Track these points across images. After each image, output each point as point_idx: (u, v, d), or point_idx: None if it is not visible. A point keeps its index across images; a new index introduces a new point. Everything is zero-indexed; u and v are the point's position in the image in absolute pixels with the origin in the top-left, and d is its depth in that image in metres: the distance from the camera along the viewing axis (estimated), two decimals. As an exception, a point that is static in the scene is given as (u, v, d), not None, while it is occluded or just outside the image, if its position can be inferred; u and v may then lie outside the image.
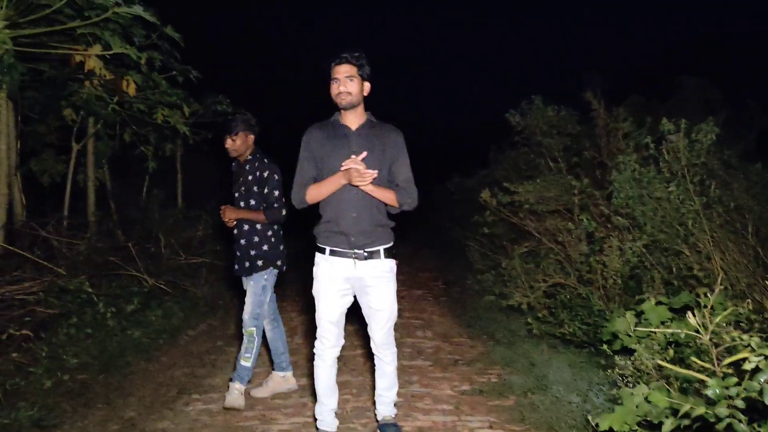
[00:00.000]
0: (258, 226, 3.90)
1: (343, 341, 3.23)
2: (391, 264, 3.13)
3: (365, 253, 3.02)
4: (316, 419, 3.32)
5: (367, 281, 3.06)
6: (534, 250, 5.97)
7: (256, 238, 3.89)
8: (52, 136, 7.36)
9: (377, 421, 3.41)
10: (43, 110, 6.97)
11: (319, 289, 3.14)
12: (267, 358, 4.49)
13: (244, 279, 4.00)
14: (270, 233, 3.93)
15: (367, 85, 3.08)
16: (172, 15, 5.96)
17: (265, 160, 3.92)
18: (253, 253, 3.88)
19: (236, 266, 3.96)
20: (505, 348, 4.88)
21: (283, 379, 4.14)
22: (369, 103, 3.18)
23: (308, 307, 6.91)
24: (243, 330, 3.93)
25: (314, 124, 3.20)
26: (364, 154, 2.97)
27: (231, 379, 3.92)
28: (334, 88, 3.02)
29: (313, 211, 3.20)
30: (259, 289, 3.89)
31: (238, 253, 3.93)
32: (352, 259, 3.03)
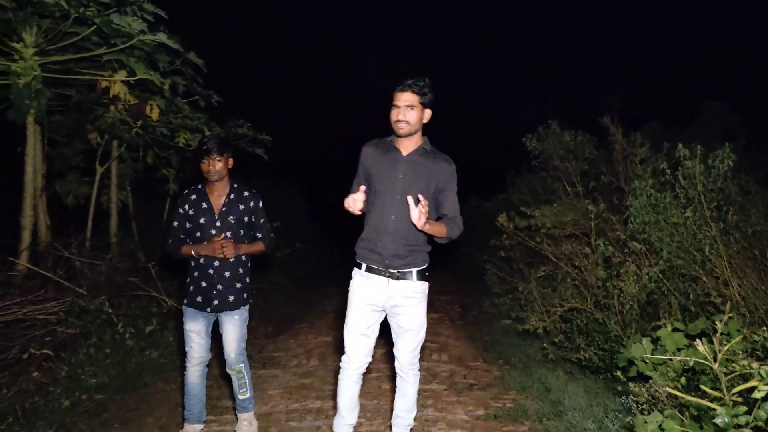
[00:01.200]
0: (243, 258, 3.62)
1: (370, 359, 3.25)
2: (423, 286, 3.17)
3: (398, 273, 3.09)
4: None
5: (398, 301, 3.11)
6: (551, 274, 5.94)
7: (241, 270, 3.60)
8: (77, 158, 7.53)
9: None
10: (70, 134, 7.17)
11: (351, 301, 3.21)
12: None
13: (220, 315, 3.59)
14: (250, 264, 3.70)
15: (428, 113, 3.11)
16: (195, 41, 6.14)
17: (248, 190, 3.68)
18: (238, 286, 3.58)
19: (214, 302, 3.52)
20: (520, 373, 4.84)
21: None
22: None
23: (327, 329, 6.93)
24: (229, 369, 3.69)
25: (372, 141, 3.25)
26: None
27: (236, 410, 3.82)
28: (394, 115, 3.05)
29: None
30: (244, 324, 3.65)
31: (218, 286, 3.52)
32: (385, 278, 3.10)
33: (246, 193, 3.62)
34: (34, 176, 5.74)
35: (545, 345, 5.05)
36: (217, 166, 3.47)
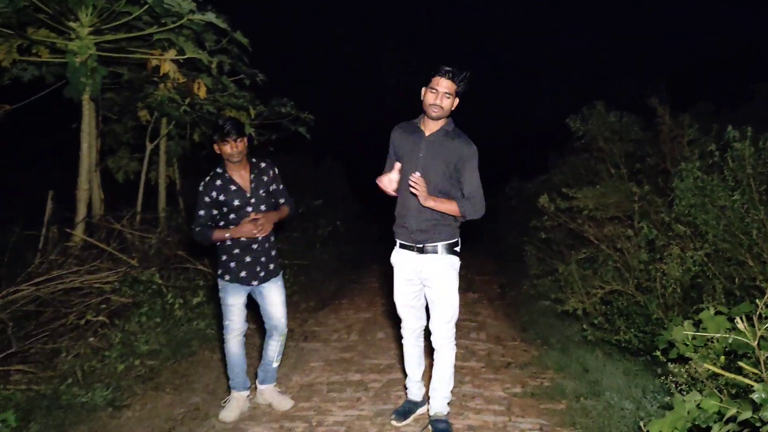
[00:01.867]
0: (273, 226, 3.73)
1: (424, 323, 3.56)
2: (451, 260, 3.29)
3: (424, 247, 3.25)
4: (405, 388, 3.75)
5: (427, 274, 3.29)
6: (592, 256, 5.90)
7: (273, 238, 3.75)
8: (127, 135, 7.78)
9: (429, 416, 3.50)
10: (121, 111, 7.41)
11: (394, 275, 3.49)
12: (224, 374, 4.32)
13: (262, 285, 3.71)
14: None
15: (456, 101, 3.22)
16: (241, 20, 6.25)
17: (263, 161, 3.76)
18: (273, 253, 3.73)
19: (261, 273, 3.66)
20: (558, 353, 4.86)
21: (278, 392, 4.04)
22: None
23: (366, 305, 7.06)
24: (278, 335, 3.84)
25: (400, 124, 3.43)
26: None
27: (261, 382, 3.92)
28: (431, 98, 3.15)
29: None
30: (284, 288, 3.84)
31: (262, 259, 3.65)
32: (414, 252, 3.29)
33: (263, 164, 3.71)
34: (89, 152, 5.97)
35: (584, 326, 5.04)
36: (240, 147, 3.51)
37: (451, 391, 3.56)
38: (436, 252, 3.25)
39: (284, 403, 3.90)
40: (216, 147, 3.54)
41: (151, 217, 7.27)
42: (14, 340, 4.12)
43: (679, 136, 5.87)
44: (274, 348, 3.87)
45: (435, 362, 3.47)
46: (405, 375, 3.77)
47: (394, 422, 3.49)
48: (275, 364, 3.92)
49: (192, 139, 8.41)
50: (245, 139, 3.56)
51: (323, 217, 11.05)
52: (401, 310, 3.53)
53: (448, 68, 3.10)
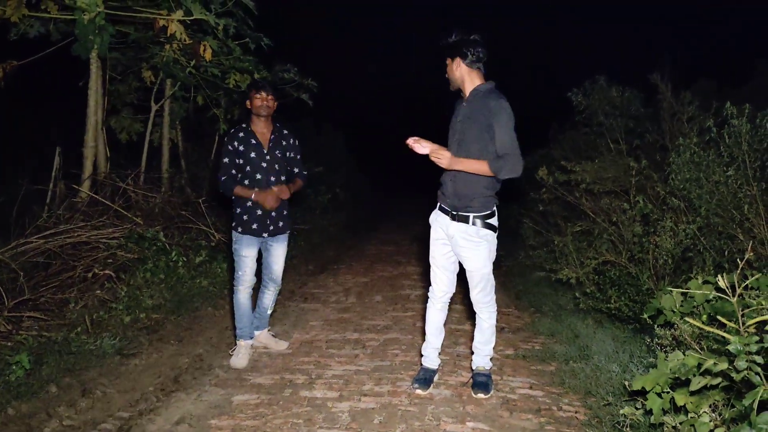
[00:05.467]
0: None
1: (453, 289, 3.65)
2: (482, 231, 3.35)
3: (458, 214, 3.36)
4: (422, 355, 3.77)
5: (458, 241, 3.38)
6: (587, 229, 6.02)
7: (286, 200, 4.07)
8: (131, 96, 7.81)
9: (472, 370, 3.70)
10: (125, 71, 7.43)
11: (431, 235, 3.59)
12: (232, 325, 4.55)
13: (270, 240, 4.01)
14: None
15: (458, 61, 3.30)
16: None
17: (286, 129, 4.09)
18: (285, 213, 4.06)
19: (270, 227, 3.96)
20: (550, 320, 5.02)
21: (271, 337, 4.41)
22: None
23: (364, 271, 7.18)
24: (274, 286, 4.19)
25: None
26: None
27: (255, 328, 4.23)
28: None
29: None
30: (287, 247, 4.16)
31: (273, 214, 3.95)
32: (449, 217, 3.40)
33: (285, 132, 4.07)
34: (95, 109, 6.03)
35: (576, 294, 5.19)
36: (269, 102, 3.89)
37: (445, 351, 3.70)
38: (467, 222, 3.33)
39: (280, 345, 4.27)
40: (248, 102, 3.91)
41: (154, 177, 7.35)
42: (26, 288, 4.25)
43: (679, 113, 5.93)
44: (269, 297, 4.23)
45: (476, 325, 3.64)
46: (423, 339, 3.79)
47: (419, 391, 3.54)
48: (269, 311, 4.30)
49: (195, 101, 8.46)
50: (274, 99, 3.91)
51: (323, 184, 11.14)
52: (434, 272, 3.59)
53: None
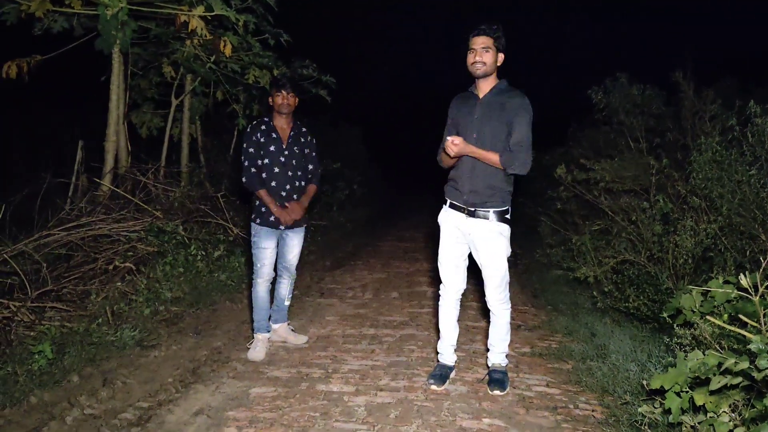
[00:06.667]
0: (303, 184, 4.17)
1: (464, 286, 3.63)
2: (500, 227, 3.36)
3: (475, 211, 3.33)
4: (437, 353, 3.76)
5: (475, 238, 3.37)
6: (606, 227, 5.98)
7: (303, 192, 4.18)
8: (152, 91, 7.90)
9: (488, 366, 3.71)
10: (146, 66, 7.51)
11: (441, 234, 3.56)
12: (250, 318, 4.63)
13: (288, 232, 4.10)
14: None
15: (501, 56, 3.29)
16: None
17: (305, 127, 4.20)
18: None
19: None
20: (567, 318, 4.99)
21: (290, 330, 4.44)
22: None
23: (381, 267, 7.21)
24: (289, 276, 4.25)
25: (458, 94, 3.53)
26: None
27: (274, 322, 4.28)
28: (470, 58, 3.27)
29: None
30: (303, 240, 4.24)
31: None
32: (464, 214, 3.37)
33: (304, 129, 4.17)
34: (117, 104, 6.11)
35: (594, 293, 5.16)
36: (290, 99, 3.97)
37: (462, 348, 3.69)
38: (486, 218, 3.32)
39: (299, 339, 4.29)
40: (270, 99, 4.00)
41: (174, 172, 7.43)
42: (49, 279, 4.32)
43: (701, 111, 5.86)
44: (285, 286, 4.26)
45: (492, 321, 3.62)
46: (438, 336, 3.79)
47: (434, 387, 3.55)
48: (287, 302, 4.31)
49: (215, 97, 8.52)
50: (295, 96, 3.99)
51: (341, 180, 11.17)
52: (444, 270, 3.57)
53: (480, 27, 3.21)
